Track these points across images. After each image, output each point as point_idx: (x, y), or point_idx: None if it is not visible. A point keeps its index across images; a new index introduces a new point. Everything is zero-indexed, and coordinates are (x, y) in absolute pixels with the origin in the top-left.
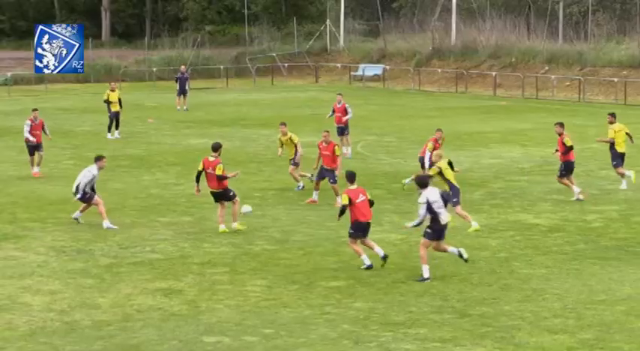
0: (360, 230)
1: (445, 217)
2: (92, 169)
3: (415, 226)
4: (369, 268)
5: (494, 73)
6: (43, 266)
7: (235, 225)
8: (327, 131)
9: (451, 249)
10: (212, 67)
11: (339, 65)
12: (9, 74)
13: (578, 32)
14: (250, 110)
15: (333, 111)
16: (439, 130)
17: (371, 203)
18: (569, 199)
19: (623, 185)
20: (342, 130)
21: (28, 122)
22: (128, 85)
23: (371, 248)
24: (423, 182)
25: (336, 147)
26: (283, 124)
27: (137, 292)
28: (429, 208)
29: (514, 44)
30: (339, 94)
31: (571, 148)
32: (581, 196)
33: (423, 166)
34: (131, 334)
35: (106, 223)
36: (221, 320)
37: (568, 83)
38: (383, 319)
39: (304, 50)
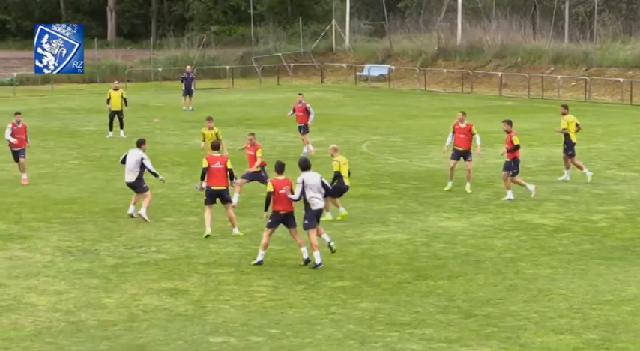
0: (277, 221)
1: (318, 203)
2: (140, 153)
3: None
4: (259, 263)
5: (499, 73)
6: (48, 266)
7: (236, 230)
8: (253, 134)
9: (324, 236)
10: (217, 67)
11: (344, 65)
12: (15, 74)
13: (584, 32)
14: (256, 110)
15: (294, 110)
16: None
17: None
18: (575, 200)
19: (566, 176)
20: (301, 129)
21: (10, 126)
22: (134, 85)
23: (299, 245)
24: (304, 165)
25: (260, 150)
26: (209, 118)
27: (143, 292)
28: (304, 192)
29: (520, 44)
30: (300, 94)
31: (518, 147)
32: (533, 193)
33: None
34: (137, 334)
35: (143, 212)
36: (227, 320)
37: (574, 83)
38: (389, 319)
39: (310, 50)
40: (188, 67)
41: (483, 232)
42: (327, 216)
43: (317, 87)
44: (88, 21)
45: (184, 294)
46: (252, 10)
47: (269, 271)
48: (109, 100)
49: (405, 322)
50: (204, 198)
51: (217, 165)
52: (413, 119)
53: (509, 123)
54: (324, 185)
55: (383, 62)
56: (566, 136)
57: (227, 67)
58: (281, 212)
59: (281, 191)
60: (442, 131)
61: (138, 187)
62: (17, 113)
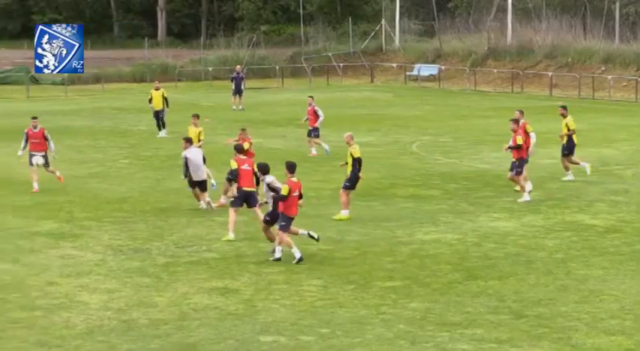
0: (289, 223)
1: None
2: (201, 151)
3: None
4: (278, 260)
5: (550, 74)
6: (100, 265)
7: (232, 235)
8: (35, 117)
9: (301, 231)
10: (267, 67)
11: (394, 65)
12: (65, 74)
13: (635, 32)
14: (305, 110)
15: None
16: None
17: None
18: (626, 200)
19: (570, 177)
20: (311, 133)
21: (26, 131)
22: (184, 84)
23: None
24: (264, 169)
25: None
26: (196, 115)
27: (193, 291)
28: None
29: (570, 44)
30: (310, 96)
31: (519, 146)
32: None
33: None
34: (188, 333)
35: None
36: (277, 320)
37: (625, 83)
38: (439, 319)
39: (359, 50)
40: (238, 66)
41: (534, 233)
42: (342, 214)
43: (366, 87)
44: (139, 20)
45: (235, 293)
46: (301, 10)
47: (319, 271)
48: (150, 100)
49: (455, 322)
50: (232, 200)
51: (246, 166)
52: (463, 119)
53: (517, 122)
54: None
55: (433, 62)
56: (570, 137)
57: (277, 66)
58: (292, 216)
59: (294, 194)
60: (492, 131)
61: (207, 183)
62: (33, 118)
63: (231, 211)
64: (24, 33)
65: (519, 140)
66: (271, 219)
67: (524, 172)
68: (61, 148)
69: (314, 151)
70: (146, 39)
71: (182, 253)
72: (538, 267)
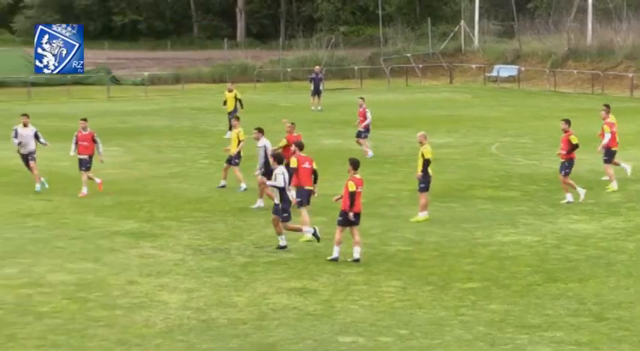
0: (348, 219)
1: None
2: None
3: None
4: (334, 259)
5: (631, 75)
6: (179, 265)
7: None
8: (85, 119)
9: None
10: (346, 68)
11: (473, 66)
12: (146, 74)
13: None
14: (384, 111)
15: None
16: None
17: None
18: None
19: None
20: (361, 134)
21: (75, 134)
22: (263, 85)
23: (356, 244)
24: (279, 158)
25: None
26: (236, 117)
27: (272, 291)
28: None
29: None
30: (361, 97)
31: (576, 146)
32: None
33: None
34: (267, 333)
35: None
36: (356, 320)
37: None
38: (519, 321)
39: (438, 51)
40: (317, 67)
41: (615, 235)
42: (419, 216)
43: (446, 88)
44: (218, 21)
45: (314, 293)
46: (380, 11)
47: (398, 272)
48: (225, 102)
49: (535, 324)
50: (299, 201)
51: (306, 165)
52: (543, 120)
53: (568, 122)
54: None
55: (512, 63)
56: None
57: (355, 67)
58: (356, 212)
59: (358, 189)
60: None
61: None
62: (83, 119)
63: (303, 210)
64: (104, 34)
65: (574, 139)
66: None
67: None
68: (140, 148)
69: (370, 153)
70: (225, 40)
71: (261, 253)
72: (618, 269)
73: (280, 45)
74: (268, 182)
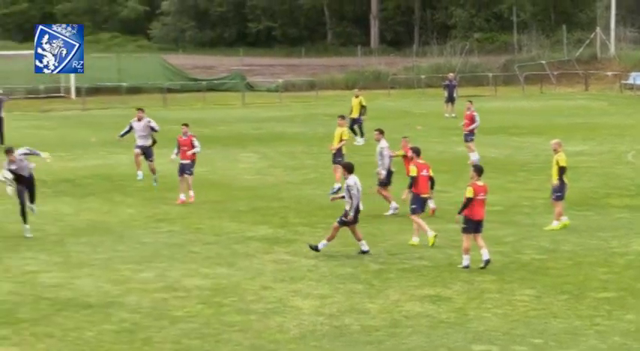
0: (472, 226)
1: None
2: None
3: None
4: (466, 267)
5: None
6: (313, 270)
7: (416, 239)
8: (186, 124)
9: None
10: (480, 75)
11: (609, 73)
12: (280, 80)
13: None
14: (519, 118)
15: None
16: None
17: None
18: None
19: None
20: (467, 137)
21: (177, 138)
22: (396, 92)
23: (481, 247)
24: (350, 167)
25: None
26: (342, 116)
27: (405, 298)
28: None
29: None
30: (470, 101)
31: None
32: None
33: None
34: (400, 340)
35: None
36: (489, 329)
37: None
38: None
39: (574, 58)
40: (450, 74)
41: None
42: (553, 225)
43: (581, 95)
44: (352, 28)
45: (447, 301)
46: (515, 18)
47: (532, 281)
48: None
49: None
50: (413, 208)
51: (424, 172)
52: None
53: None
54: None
55: None
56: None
57: (489, 74)
58: (476, 219)
59: (479, 197)
60: None
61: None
62: (184, 124)
63: (415, 218)
64: (240, 40)
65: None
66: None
67: None
68: (275, 155)
69: (472, 158)
70: (359, 47)
71: (394, 260)
72: None
73: (414, 52)
74: (337, 196)
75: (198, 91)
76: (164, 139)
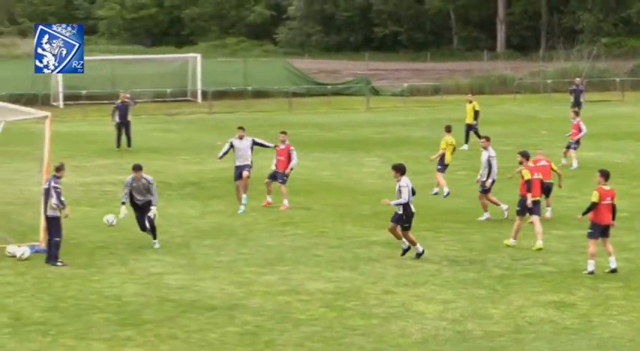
0: (598, 231)
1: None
2: None
3: (396, 204)
4: (590, 273)
5: None
6: (435, 275)
7: (540, 243)
8: (284, 132)
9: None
10: (607, 80)
11: None
12: (405, 85)
13: None
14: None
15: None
16: None
17: (614, 209)
18: None
19: None
20: (570, 145)
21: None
22: (522, 97)
23: (610, 254)
24: (403, 169)
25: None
26: (448, 127)
27: (529, 304)
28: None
29: None
30: (575, 111)
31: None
32: None
33: None
34: (522, 346)
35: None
36: (614, 336)
37: None
38: None
39: None
40: (577, 79)
41: None
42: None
43: None
44: (478, 33)
45: (571, 307)
46: None
47: None
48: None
49: None
50: (518, 209)
51: (536, 175)
52: None
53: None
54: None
55: None
56: None
57: (617, 79)
58: (601, 224)
59: (605, 202)
60: None
61: None
62: (282, 132)
63: (518, 219)
64: (365, 45)
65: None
66: (397, 221)
67: None
68: (399, 159)
69: (564, 161)
70: (485, 51)
71: (517, 265)
72: None
73: (540, 56)
74: (392, 203)
75: (324, 95)
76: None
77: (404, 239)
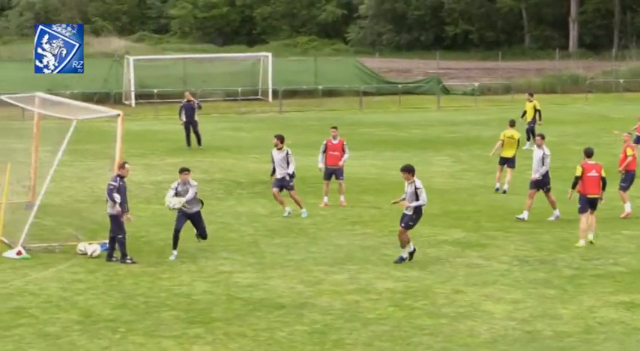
0: (587, 204)
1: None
2: None
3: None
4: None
5: None
6: (505, 275)
7: (591, 236)
8: (335, 127)
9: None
10: None
11: None
12: (476, 84)
13: None
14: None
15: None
16: None
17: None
18: None
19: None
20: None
21: (324, 142)
22: (594, 96)
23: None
24: (414, 170)
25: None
26: (512, 122)
27: (599, 304)
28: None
29: None
30: None
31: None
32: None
33: None
34: (592, 347)
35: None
36: None
37: None
38: None
39: None
40: None
41: None
42: None
43: None
44: (550, 32)
45: None
46: None
47: None
48: (524, 113)
49: None
50: (580, 207)
51: (592, 173)
52: None
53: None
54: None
55: None
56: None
57: None
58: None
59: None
60: None
61: None
62: (333, 127)
63: (581, 217)
64: (437, 44)
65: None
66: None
67: None
68: (469, 158)
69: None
70: (557, 50)
71: (588, 265)
72: None
73: (613, 55)
74: (412, 205)
75: (394, 94)
76: (359, 141)
77: (410, 243)
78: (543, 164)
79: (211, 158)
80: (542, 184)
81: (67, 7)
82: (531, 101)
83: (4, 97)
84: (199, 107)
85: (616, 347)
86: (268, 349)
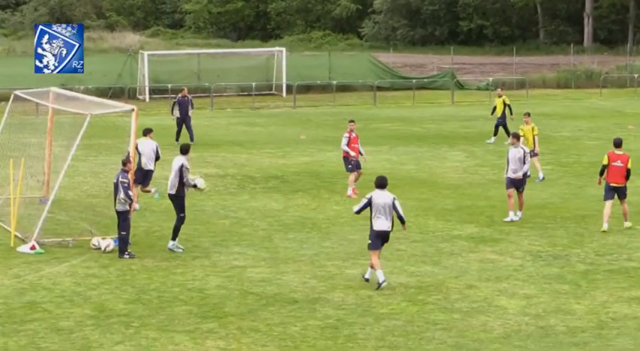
0: (610, 191)
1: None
2: None
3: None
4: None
5: None
6: (519, 270)
7: (627, 224)
8: (353, 121)
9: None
10: None
11: None
12: (490, 79)
13: None
14: None
15: None
16: None
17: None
18: None
19: None
20: None
21: (346, 135)
22: (608, 91)
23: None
24: (379, 183)
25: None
26: (527, 114)
27: (612, 299)
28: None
29: None
30: None
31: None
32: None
33: None
34: (605, 342)
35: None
36: None
37: None
38: None
39: None
40: None
41: None
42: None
43: None
44: (565, 27)
45: None
46: None
47: None
48: (494, 109)
49: None
50: (604, 193)
51: (618, 163)
52: None
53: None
54: (394, 207)
55: None
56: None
57: None
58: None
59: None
60: None
61: None
62: (351, 121)
63: (605, 204)
64: (451, 39)
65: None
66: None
67: None
68: (483, 153)
69: None
70: (572, 45)
71: (602, 261)
72: None
73: (627, 50)
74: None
75: (408, 89)
76: (373, 136)
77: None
78: (524, 163)
79: (225, 153)
80: (520, 183)
81: (82, 2)
82: (501, 96)
83: (18, 92)
84: (192, 106)
85: (629, 342)
86: (281, 343)
